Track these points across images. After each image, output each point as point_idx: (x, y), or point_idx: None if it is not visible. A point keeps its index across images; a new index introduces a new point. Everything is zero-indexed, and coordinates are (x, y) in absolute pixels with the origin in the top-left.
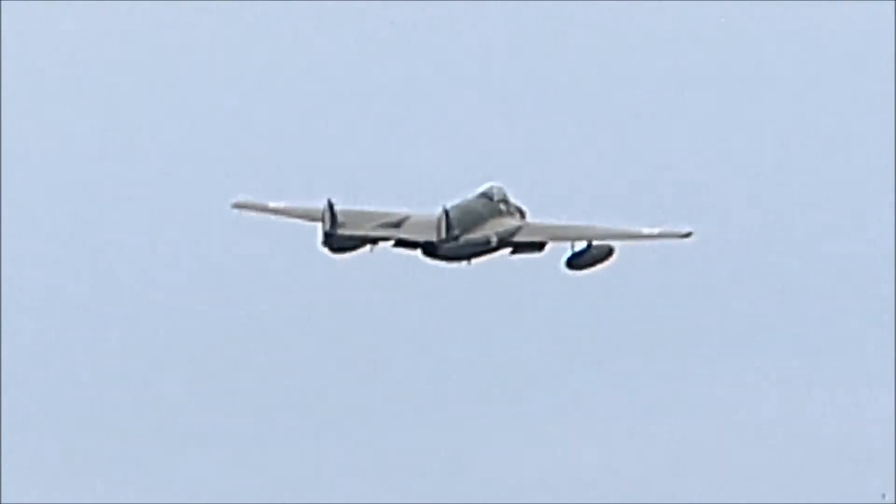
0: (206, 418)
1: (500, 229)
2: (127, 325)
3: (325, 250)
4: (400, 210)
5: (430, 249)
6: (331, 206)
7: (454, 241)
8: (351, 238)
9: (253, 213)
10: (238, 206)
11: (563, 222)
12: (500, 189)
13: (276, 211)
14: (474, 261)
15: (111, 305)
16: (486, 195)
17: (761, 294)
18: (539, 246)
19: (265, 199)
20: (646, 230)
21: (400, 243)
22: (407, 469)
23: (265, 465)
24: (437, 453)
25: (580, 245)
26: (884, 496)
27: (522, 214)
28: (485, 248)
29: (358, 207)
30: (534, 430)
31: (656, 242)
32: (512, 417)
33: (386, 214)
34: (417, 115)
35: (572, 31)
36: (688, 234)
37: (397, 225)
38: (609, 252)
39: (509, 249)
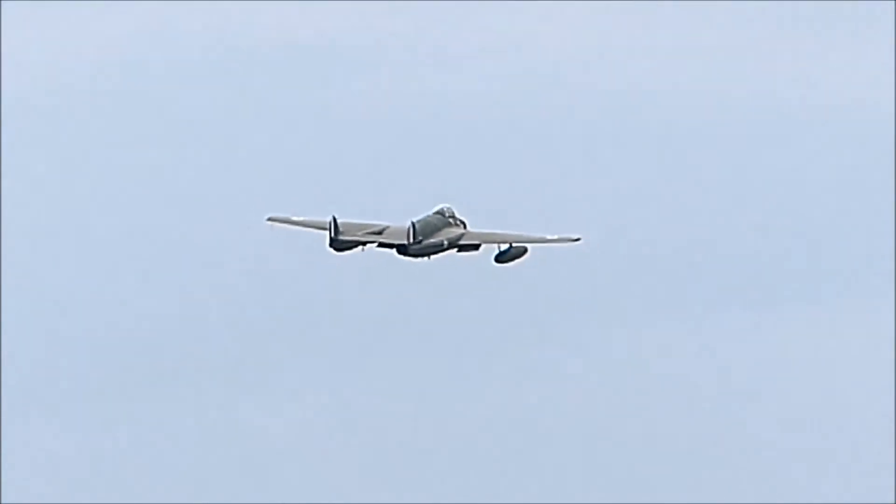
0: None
1: (450, 236)
2: (184, 302)
3: (331, 250)
4: (382, 222)
5: (402, 250)
6: (334, 219)
7: (418, 244)
8: (347, 241)
9: (281, 225)
10: (271, 219)
11: (491, 230)
12: (449, 208)
13: (297, 223)
14: (433, 258)
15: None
16: (440, 212)
17: (630, 281)
18: (476, 247)
19: (290, 215)
20: (548, 235)
21: (381, 245)
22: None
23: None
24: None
25: (504, 246)
26: None
27: (464, 225)
28: (439, 249)
29: (353, 220)
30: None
31: (555, 245)
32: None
33: (372, 225)
34: (394, 149)
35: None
36: (577, 239)
37: (380, 233)
38: (524, 251)
39: (456, 249)
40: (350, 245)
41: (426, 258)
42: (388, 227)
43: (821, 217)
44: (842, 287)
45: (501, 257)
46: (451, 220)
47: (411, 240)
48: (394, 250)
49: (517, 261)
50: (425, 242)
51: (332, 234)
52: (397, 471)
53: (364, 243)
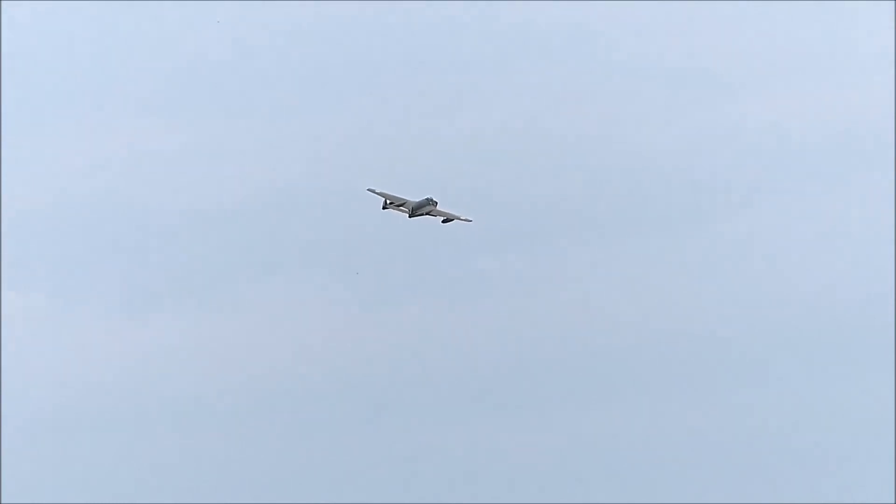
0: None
1: (432, 210)
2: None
3: (381, 208)
4: (405, 197)
5: (410, 213)
6: (381, 194)
7: (416, 212)
8: (388, 205)
9: (372, 192)
10: (370, 189)
11: (444, 209)
12: (431, 197)
13: (380, 193)
14: (423, 218)
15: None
16: (428, 199)
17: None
18: (447, 219)
19: (374, 187)
20: (463, 216)
21: (399, 208)
22: None
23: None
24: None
25: (447, 216)
26: None
27: (436, 204)
28: (426, 214)
29: (393, 193)
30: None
31: (470, 221)
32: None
33: (400, 198)
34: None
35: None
36: (469, 220)
37: (402, 203)
38: (457, 219)
39: (441, 219)
40: (389, 207)
41: (420, 216)
42: (406, 200)
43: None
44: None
45: (445, 221)
46: (431, 203)
47: (415, 209)
48: (406, 213)
49: (451, 222)
50: (418, 212)
51: (384, 203)
52: None
53: (395, 206)
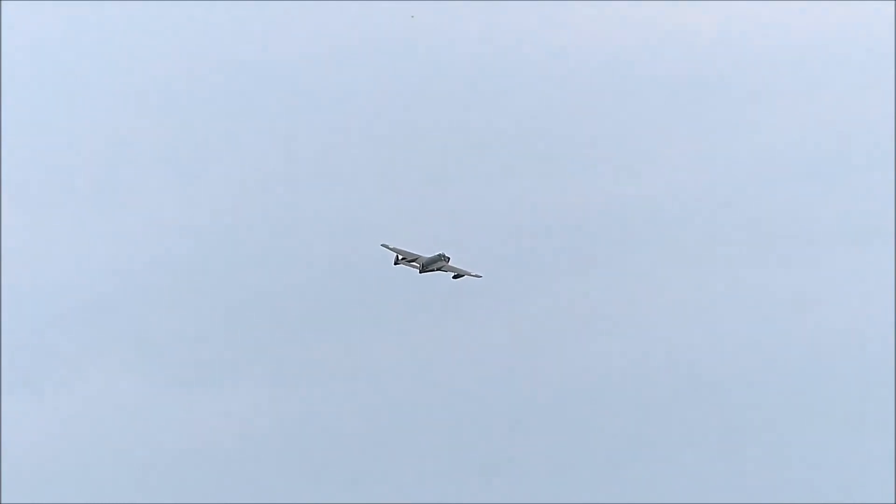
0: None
1: (443, 266)
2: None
3: (393, 263)
4: (417, 252)
5: (421, 269)
6: (394, 249)
7: (428, 267)
8: (399, 260)
9: (385, 248)
10: (383, 245)
11: (454, 264)
12: (443, 254)
13: (393, 249)
14: (434, 273)
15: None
16: (440, 255)
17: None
18: (457, 275)
19: (387, 241)
20: (473, 272)
21: (411, 264)
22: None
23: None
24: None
25: (457, 272)
26: None
27: (448, 260)
28: (438, 270)
29: (406, 248)
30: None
31: (480, 277)
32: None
33: (412, 254)
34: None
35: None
36: (479, 276)
37: (414, 259)
38: (468, 275)
39: (452, 275)
40: (400, 261)
41: (431, 273)
42: (419, 256)
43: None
44: None
45: (455, 278)
46: (443, 259)
47: (426, 265)
48: (418, 269)
49: (461, 278)
50: (430, 266)
51: (396, 259)
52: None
53: (407, 262)
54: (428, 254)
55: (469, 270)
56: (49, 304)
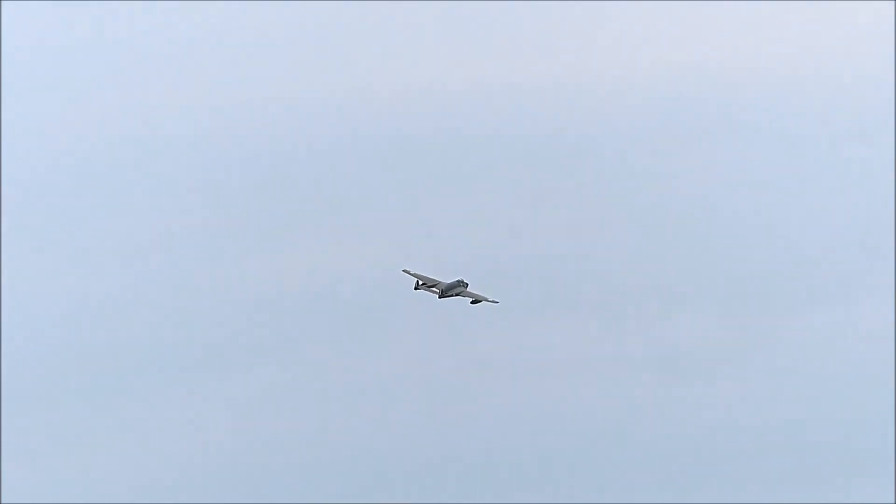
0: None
1: (462, 291)
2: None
3: (413, 288)
4: (437, 278)
5: (441, 294)
6: (416, 276)
7: (447, 293)
8: (420, 285)
9: (406, 273)
10: (404, 270)
11: (473, 290)
12: (462, 279)
13: (413, 275)
14: (454, 299)
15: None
16: (459, 281)
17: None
18: (475, 300)
19: (409, 268)
20: (490, 297)
21: (431, 290)
22: None
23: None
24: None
25: (475, 298)
26: None
27: (466, 286)
28: (456, 295)
29: (426, 274)
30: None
31: (497, 303)
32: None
33: (432, 279)
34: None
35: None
36: (496, 301)
37: (434, 285)
38: (485, 300)
39: (469, 300)
40: (420, 287)
41: (451, 297)
42: (438, 281)
43: None
44: None
45: (474, 302)
46: (462, 284)
47: (446, 291)
48: (437, 294)
49: (480, 303)
50: (450, 291)
51: (416, 284)
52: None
53: (427, 287)
54: (447, 280)
55: (486, 296)
56: (49, 304)
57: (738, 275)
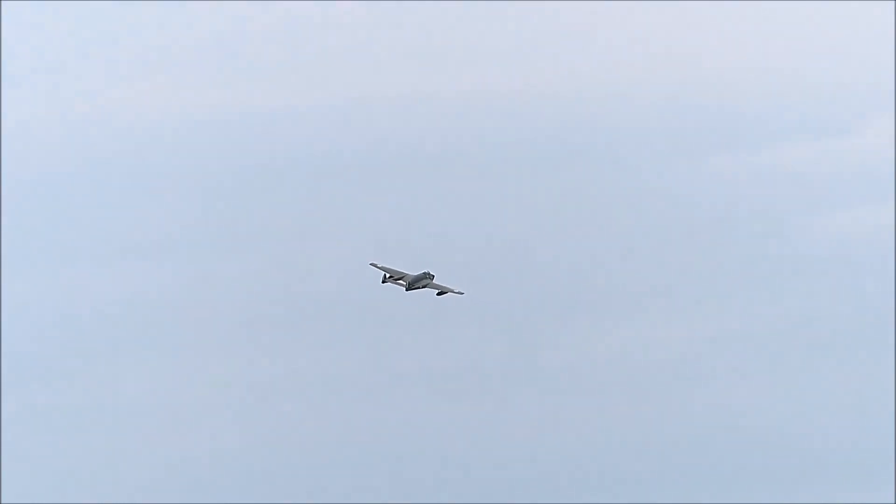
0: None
1: (428, 283)
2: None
3: (381, 282)
4: (404, 271)
5: (408, 286)
6: (382, 268)
7: (413, 285)
8: (387, 279)
9: (374, 266)
10: (372, 264)
11: (439, 282)
12: (428, 272)
13: (381, 268)
14: (420, 291)
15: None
16: (425, 273)
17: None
18: (441, 291)
19: (375, 261)
20: (456, 289)
21: (397, 282)
22: None
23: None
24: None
25: (441, 289)
26: None
27: (433, 278)
28: (423, 287)
29: (392, 266)
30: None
31: (463, 295)
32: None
33: (399, 272)
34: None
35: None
36: (462, 293)
37: (401, 277)
38: (451, 291)
39: (436, 292)
40: (388, 279)
41: (417, 290)
42: (405, 274)
43: None
44: None
45: (439, 294)
46: (427, 276)
47: (412, 283)
48: (404, 286)
49: (445, 294)
50: (416, 284)
51: (384, 278)
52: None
53: (394, 280)
54: (414, 272)
55: (452, 288)
56: (49, 304)
57: (738, 274)
